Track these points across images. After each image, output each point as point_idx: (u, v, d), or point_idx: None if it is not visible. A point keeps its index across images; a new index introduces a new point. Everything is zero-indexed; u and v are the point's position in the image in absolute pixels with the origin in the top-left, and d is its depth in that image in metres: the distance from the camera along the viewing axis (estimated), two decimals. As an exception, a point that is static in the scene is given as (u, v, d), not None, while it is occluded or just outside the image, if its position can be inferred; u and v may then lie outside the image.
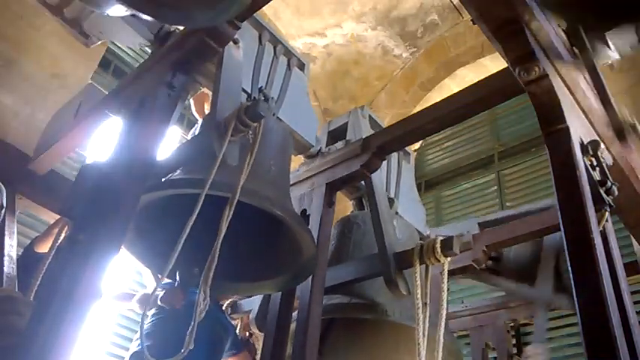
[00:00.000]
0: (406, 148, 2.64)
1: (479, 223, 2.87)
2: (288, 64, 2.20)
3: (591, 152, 1.40)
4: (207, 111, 2.93)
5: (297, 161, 2.26)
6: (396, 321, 2.04)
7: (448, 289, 1.94)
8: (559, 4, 1.50)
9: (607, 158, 1.50)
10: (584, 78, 1.59)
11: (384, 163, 2.23)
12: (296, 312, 1.95)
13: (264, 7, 1.77)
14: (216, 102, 1.61)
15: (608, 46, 1.57)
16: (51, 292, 1.22)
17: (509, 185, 5.40)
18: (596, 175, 1.40)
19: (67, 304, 1.17)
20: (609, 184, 1.41)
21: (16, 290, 1.98)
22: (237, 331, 3.20)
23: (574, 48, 1.57)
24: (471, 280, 3.01)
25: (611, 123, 1.61)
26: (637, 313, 1.31)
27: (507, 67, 1.48)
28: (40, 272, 1.83)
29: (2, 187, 2.16)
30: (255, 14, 1.87)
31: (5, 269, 2.05)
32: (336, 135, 2.51)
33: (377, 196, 2.09)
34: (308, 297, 1.90)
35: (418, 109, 5.35)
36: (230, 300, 3.13)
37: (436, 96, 5.99)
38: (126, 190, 1.40)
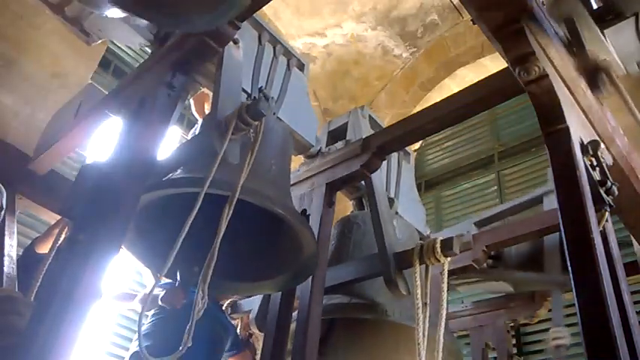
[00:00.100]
0: (406, 148, 2.64)
1: (476, 223, 2.87)
2: (288, 65, 2.20)
3: (591, 152, 1.40)
4: (207, 111, 2.93)
5: (297, 161, 2.26)
6: (395, 321, 2.04)
7: (448, 289, 1.94)
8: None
9: (607, 158, 1.50)
10: (582, 73, 1.58)
11: (384, 163, 2.23)
12: (296, 312, 1.95)
13: (264, 7, 1.77)
14: (216, 101, 1.62)
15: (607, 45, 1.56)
16: (51, 292, 1.22)
17: (509, 185, 5.40)
18: (596, 175, 1.40)
19: (67, 304, 1.17)
20: (609, 184, 1.41)
21: (16, 290, 1.98)
22: (238, 331, 3.20)
23: (574, 48, 1.57)
24: (473, 284, 3.01)
25: (580, 67, 1.56)
26: (637, 313, 1.31)
27: (507, 67, 1.48)
28: (41, 273, 1.83)
29: (2, 188, 2.16)
30: (255, 14, 1.87)
31: (5, 269, 2.05)
32: (336, 135, 2.51)
33: (377, 196, 2.09)
34: (308, 297, 1.90)
35: (418, 109, 5.35)
36: (230, 300, 3.13)
37: (436, 96, 5.99)
38: (126, 190, 1.40)
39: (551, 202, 2.71)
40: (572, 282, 1.21)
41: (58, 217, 2.42)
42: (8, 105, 3.43)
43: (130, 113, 1.67)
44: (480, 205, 5.49)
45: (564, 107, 1.39)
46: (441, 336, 1.78)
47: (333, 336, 2.21)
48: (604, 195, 1.39)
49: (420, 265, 1.87)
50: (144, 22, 1.87)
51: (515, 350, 3.17)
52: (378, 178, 2.20)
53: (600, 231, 1.33)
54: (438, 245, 1.84)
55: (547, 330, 4.20)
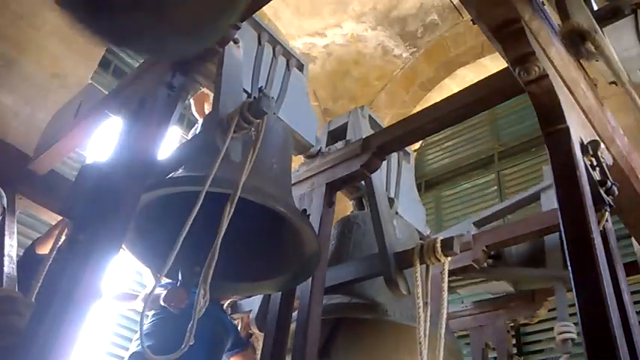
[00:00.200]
0: (406, 148, 2.64)
1: (475, 222, 2.87)
2: (287, 65, 2.20)
3: (591, 152, 1.40)
4: (207, 111, 2.93)
5: (297, 161, 2.26)
6: (396, 321, 2.04)
7: (448, 290, 1.94)
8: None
9: (607, 158, 1.50)
10: (584, 78, 1.58)
11: (384, 163, 2.23)
12: (296, 312, 1.95)
13: (264, 7, 1.78)
14: (218, 99, 1.61)
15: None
16: (51, 292, 1.22)
17: (509, 185, 5.40)
18: (596, 175, 1.41)
19: (67, 304, 1.17)
20: (609, 184, 1.41)
21: (16, 290, 1.98)
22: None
23: (573, 46, 1.56)
24: (472, 286, 3.01)
25: (561, 31, 1.53)
26: (637, 313, 1.31)
27: (507, 67, 1.48)
28: (41, 273, 1.83)
29: (2, 192, 2.16)
30: (254, 14, 1.87)
31: (5, 269, 2.05)
32: (336, 135, 2.51)
33: (377, 196, 2.09)
34: (308, 297, 1.90)
35: (418, 109, 5.35)
36: (230, 300, 3.13)
37: (436, 96, 5.99)
38: (126, 190, 1.40)
39: (548, 198, 2.72)
40: (572, 282, 1.21)
41: (58, 217, 2.42)
42: (8, 105, 3.43)
43: (130, 113, 1.67)
44: (480, 205, 5.48)
45: (564, 107, 1.39)
46: (442, 335, 1.78)
47: (335, 337, 2.22)
48: (604, 195, 1.39)
49: (420, 264, 1.87)
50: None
51: (515, 350, 3.17)
52: (378, 178, 2.20)
53: (600, 231, 1.33)
54: (439, 245, 1.84)
55: (547, 330, 4.22)
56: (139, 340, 2.82)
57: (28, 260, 2.52)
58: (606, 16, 1.56)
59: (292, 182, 2.17)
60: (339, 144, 2.41)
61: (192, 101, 3.00)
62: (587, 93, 1.55)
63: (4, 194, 2.14)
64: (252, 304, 2.70)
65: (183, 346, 1.40)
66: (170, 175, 1.65)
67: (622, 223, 1.87)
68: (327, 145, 2.47)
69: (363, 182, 2.23)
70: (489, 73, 1.95)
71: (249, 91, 1.94)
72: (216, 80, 1.69)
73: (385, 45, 6.23)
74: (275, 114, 2.02)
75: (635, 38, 1.55)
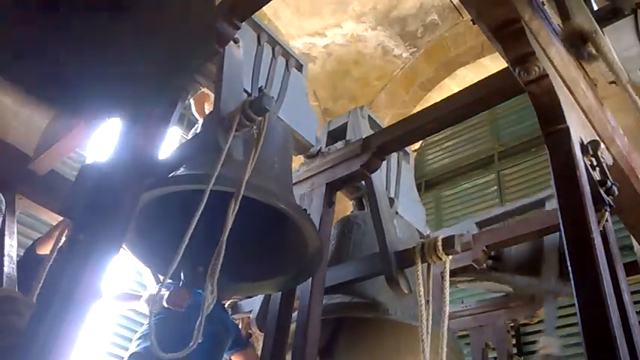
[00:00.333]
0: (405, 149, 2.64)
1: (477, 223, 2.87)
2: (287, 65, 2.20)
3: (591, 152, 1.40)
4: (207, 111, 2.93)
5: (297, 161, 2.26)
6: (397, 320, 2.04)
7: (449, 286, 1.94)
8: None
9: (607, 158, 1.50)
10: (584, 78, 1.58)
11: (384, 163, 2.23)
12: (296, 312, 1.94)
13: (264, 7, 1.77)
14: (219, 98, 1.61)
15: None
16: (51, 292, 1.22)
17: (509, 185, 5.41)
18: (596, 175, 1.40)
19: (67, 304, 1.17)
20: (609, 184, 1.41)
21: (16, 290, 1.98)
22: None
23: (574, 47, 1.57)
24: (473, 282, 3.01)
25: (565, 34, 1.55)
26: (637, 313, 1.31)
27: (507, 67, 1.48)
28: (42, 274, 1.82)
29: (1, 196, 2.16)
30: (254, 15, 1.87)
31: (5, 269, 2.04)
32: (336, 135, 2.51)
33: (377, 195, 2.09)
34: (308, 297, 1.89)
35: (418, 109, 5.36)
36: (231, 301, 3.13)
37: (436, 96, 5.99)
38: (126, 190, 1.40)
39: (552, 206, 2.71)
40: (572, 282, 1.21)
41: (58, 217, 2.42)
42: (8, 105, 3.42)
43: (130, 113, 1.67)
44: (480, 205, 5.49)
45: (564, 107, 1.39)
46: (445, 333, 1.78)
47: (337, 337, 2.22)
48: (604, 195, 1.39)
49: (421, 263, 1.87)
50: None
51: (515, 350, 3.17)
52: (378, 178, 2.20)
53: (600, 231, 1.33)
54: (440, 243, 1.84)
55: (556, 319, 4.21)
56: (139, 340, 2.83)
57: (29, 260, 2.52)
58: (606, 17, 1.56)
59: (292, 182, 2.17)
60: (339, 144, 2.41)
61: (192, 101, 3.00)
62: (587, 93, 1.55)
63: (2, 199, 2.14)
64: (253, 304, 2.70)
65: (191, 343, 1.40)
66: (171, 174, 1.64)
67: (622, 223, 1.87)
68: (326, 145, 2.47)
69: (363, 182, 2.23)
70: (489, 73, 1.95)
71: (249, 91, 1.94)
72: (217, 79, 1.69)
73: (385, 45, 6.23)
74: (275, 114, 2.03)
75: (635, 38, 1.56)
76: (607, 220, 1.41)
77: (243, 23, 1.75)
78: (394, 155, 2.57)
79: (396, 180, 2.54)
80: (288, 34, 6.09)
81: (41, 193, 2.47)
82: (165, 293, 2.77)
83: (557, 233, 2.57)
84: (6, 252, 2.10)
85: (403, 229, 2.30)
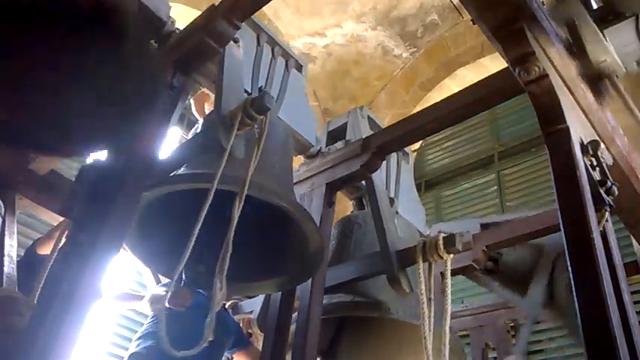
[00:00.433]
0: (405, 149, 2.64)
1: (481, 224, 2.86)
2: (286, 65, 2.21)
3: (591, 152, 1.40)
4: (207, 111, 2.93)
5: (297, 161, 2.26)
6: (399, 318, 2.04)
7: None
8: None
9: (607, 158, 1.50)
10: (584, 78, 1.58)
11: (383, 163, 2.23)
12: (296, 313, 1.94)
13: (264, 7, 1.78)
14: (220, 97, 1.61)
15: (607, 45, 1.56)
16: (51, 293, 1.22)
17: (509, 185, 5.41)
18: (596, 175, 1.40)
19: (68, 304, 1.17)
20: (609, 184, 1.41)
21: (17, 291, 1.98)
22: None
23: (575, 50, 1.57)
24: (467, 277, 2.99)
25: (583, 72, 1.57)
26: (637, 313, 1.31)
27: (507, 67, 1.48)
28: (43, 274, 1.82)
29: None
30: (253, 16, 1.87)
31: (5, 269, 2.04)
32: (336, 135, 2.51)
33: (378, 194, 2.09)
34: (308, 297, 1.89)
35: (418, 109, 5.36)
36: (232, 301, 3.14)
37: (436, 96, 5.99)
38: (126, 190, 1.40)
39: None
40: (572, 282, 1.21)
41: (58, 217, 2.42)
42: (8, 105, 3.42)
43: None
44: (480, 205, 5.49)
45: (564, 107, 1.39)
46: (447, 331, 1.78)
47: (340, 338, 2.22)
48: (604, 195, 1.39)
49: (423, 262, 1.86)
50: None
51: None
52: (378, 178, 2.20)
53: (600, 231, 1.33)
54: (441, 242, 1.84)
55: (547, 330, 4.21)
56: (139, 340, 2.83)
57: (29, 260, 2.52)
58: (607, 19, 1.56)
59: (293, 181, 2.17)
60: (339, 144, 2.41)
61: (192, 101, 3.00)
62: (587, 93, 1.55)
63: (1, 204, 2.14)
64: (254, 304, 2.70)
65: (202, 341, 1.40)
66: (172, 173, 1.64)
67: (622, 223, 1.87)
68: (326, 145, 2.47)
69: (363, 182, 2.23)
70: (489, 73, 1.95)
71: (249, 91, 1.94)
72: (218, 79, 1.69)
73: (385, 45, 6.23)
74: (275, 113, 2.03)
75: (635, 37, 1.56)
76: (607, 220, 1.41)
77: (243, 24, 1.75)
78: (393, 155, 2.57)
79: (396, 180, 2.54)
80: (288, 34, 6.09)
81: (41, 193, 2.47)
82: (164, 293, 2.77)
83: (558, 244, 2.55)
84: (6, 252, 2.10)
85: (404, 229, 2.30)
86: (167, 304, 2.72)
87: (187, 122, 4.93)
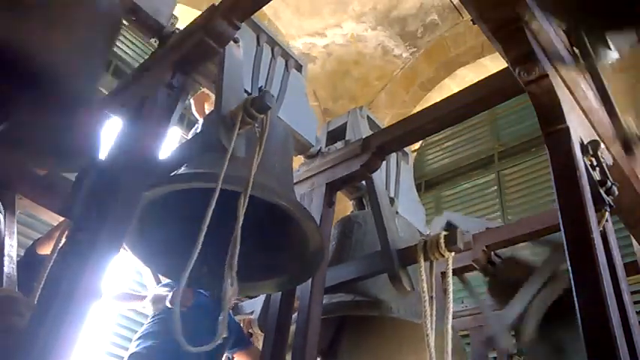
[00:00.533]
0: (404, 149, 2.64)
1: (488, 228, 2.85)
2: (286, 66, 2.21)
3: (591, 152, 1.40)
4: (207, 111, 2.94)
5: (297, 161, 2.27)
6: (401, 317, 2.03)
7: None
8: (559, 4, 1.50)
9: (607, 158, 1.50)
10: (584, 78, 1.58)
11: (383, 163, 2.23)
12: (296, 313, 1.94)
13: (264, 7, 1.78)
14: (220, 97, 1.61)
15: (609, 46, 1.56)
16: (51, 293, 1.22)
17: (509, 185, 5.41)
18: (596, 175, 1.40)
19: (68, 304, 1.17)
20: (609, 184, 1.41)
21: (17, 291, 1.98)
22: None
23: (574, 48, 1.57)
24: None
25: (617, 135, 1.61)
26: (637, 313, 1.31)
27: (507, 67, 1.48)
28: (43, 275, 1.82)
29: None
30: (253, 16, 1.87)
31: (5, 269, 2.04)
32: (336, 135, 2.51)
33: (378, 193, 2.09)
34: (308, 297, 1.89)
35: (418, 109, 5.36)
36: (232, 302, 3.14)
37: (436, 96, 6.00)
38: (126, 190, 1.40)
39: None
40: (572, 282, 1.21)
41: (58, 217, 2.42)
42: (8, 105, 3.42)
43: (130, 113, 1.67)
44: (480, 205, 5.49)
45: (564, 107, 1.39)
46: (449, 329, 1.77)
47: (340, 337, 2.22)
48: (604, 195, 1.39)
49: (424, 260, 1.86)
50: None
51: (515, 350, 3.17)
52: (378, 177, 2.20)
53: (600, 231, 1.33)
54: (442, 240, 1.83)
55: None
56: (139, 340, 2.83)
57: (29, 260, 2.52)
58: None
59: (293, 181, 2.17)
60: (339, 144, 2.41)
61: (192, 101, 3.00)
62: (587, 93, 1.55)
63: (1, 208, 2.15)
64: (255, 305, 2.70)
65: (215, 338, 1.40)
66: (173, 173, 1.64)
67: (622, 223, 1.87)
68: (326, 146, 2.48)
69: (363, 182, 2.23)
70: (489, 73, 1.94)
71: (249, 91, 1.95)
72: (218, 79, 1.69)
73: (385, 45, 6.23)
74: (276, 113, 2.03)
75: (636, 39, 1.56)
76: (607, 220, 1.41)
77: (243, 24, 1.75)
78: (393, 155, 2.57)
79: (396, 180, 2.54)
80: (288, 34, 6.09)
81: (41, 193, 2.47)
82: (167, 293, 2.77)
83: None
84: (6, 252, 2.10)
85: (404, 229, 2.30)
86: (168, 305, 2.73)
87: (187, 122, 4.93)
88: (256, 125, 1.54)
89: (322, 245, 1.83)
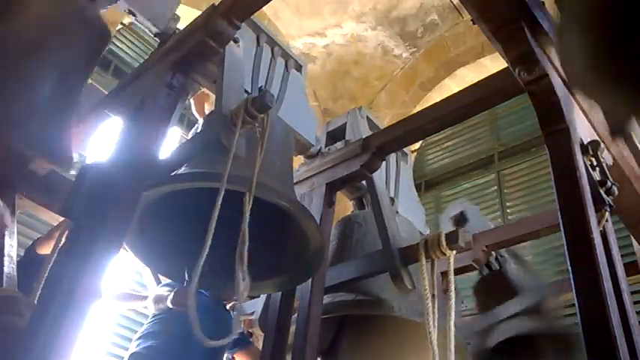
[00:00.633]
0: (404, 149, 2.64)
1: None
2: (286, 66, 2.21)
3: (591, 152, 1.40)
4: (207, 111, 2.94)
5: (297, 161, 2.27)
6: (402, 316, 2.03)
7: (455, 288, 1.93)
8: None
9: (607, 158, 1.50)
10: (584, 78, 1.58)
11: (383, 163, 2.23)
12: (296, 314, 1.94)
13: (264, 7, 1.78)
14: (220, 97, 1.61)
15: None
16: (51, 293, 1.22)
17: (509, 185, 5.41)
18: (596, 175, 1.41)
19: (67, 304, 1.17)
20: (609, 184, 1.41)
21: (16, 291, 1.98)
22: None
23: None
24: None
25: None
26: (637, 313, 1.31)
27: (507, 67, 1.48)
28: (43, 275, 1.82)
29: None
30: (253, 16, 1.87)
31: (5, 269, 2.04)
32: (335, 135, 2.51)
33: (378, 192, 2.09)
34: (308, 297, 1.89)
35: (418, 109, 5.36)
36: (233, 302, 3.14)
37: (436, 96, 6.00)
38: (126, 190, 1.40)
39: None
40: (572, 282, 1.21)
41: (58, 217, 2.42)
42: (8, 105, 3.42)
43: (130, 113, 1.67)
44: (480, 205, 5.47)
45: (564, 107, 1.39)
46: (452, 326, 1.77)
47: (341, 337, 2.22)
48: (604, 195, 1.39)
49: (425, 259, 1.86)
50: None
51: (515, 350, 3.16)
52: (378, 178, 2.20)
53: (600, 231, 1.33)
54: (443, 238, 1.83)
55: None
56: (139, 340, 2.83)
57: (29, 260, 2.52)
58: None
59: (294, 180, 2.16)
60: (339, 144, 2.41)
61: (192, 101, 3.00)
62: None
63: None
64: (255, 305, 2.70)
65: (230, 334, 1.39)
66: (173, 173, 1.64)
67: (622, 223, 1.87)
68: (326, 146, 2.48)
69: (363, 182, 2.23)
70: (489, 73, 1.94)
71: (249, 91, 1.94)
72: (218, 79, 1.69)
73: (385, 45, 6.23)
74: (276, 112, 2.03)
75: None
76: (607, 220, 1.41)
77: (243, 24, 1.76)
78: (392, 156, 2.57)
79: (395, 180, 2.54)
80: (288, 34, 6.09)
81: (41, 193, 2.47)
82: (167, 293, 2.77)
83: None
84: (6, 252, 2.10)
85: (405, 228, 2.30)
86: (170, 305, 2.73)
87: (187, 122, 4.93)
88: (256, 125, 1.54)
89: (322, 245, 1.83)
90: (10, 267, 2.05)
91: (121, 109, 1.82)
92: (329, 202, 2.14)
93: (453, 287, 1.85)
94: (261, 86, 2.02)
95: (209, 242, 1.37)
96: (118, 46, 5.22)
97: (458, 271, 2.69)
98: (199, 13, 1.74)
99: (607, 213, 1.41)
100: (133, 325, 4.28)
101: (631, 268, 1.99)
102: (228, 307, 3.13)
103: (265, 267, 1.93)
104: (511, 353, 2.49)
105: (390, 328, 2.23)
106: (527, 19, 1.37)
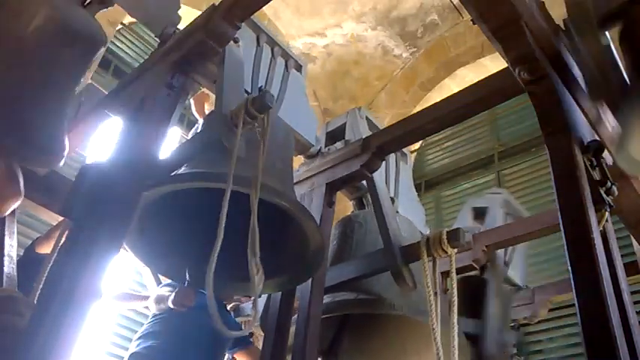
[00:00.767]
0: (404, 149, 2.64)
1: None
2: (286, 66, 2.21)
3: (591, 152, 1.40)
4: (207, 111, 2.94)
5: (297, 161, 2.27)
6: (404, 315, 2.03)
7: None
8: None
9: (607, 158, 1.50)
10: (584, 78, 1.58)
11: (383, 163, 2.23)
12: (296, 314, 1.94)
13: (264, 7, 1.78)
14: (221, 97, 1.61)
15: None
16: (51, 293, 1.22)
17: (509, 185, 5.41)
18: (596, 175, 1.40)
19: (67, 304, 1.17)
20: (609, 184, 1.41)
21: (16, 291, 1.98)
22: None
23: (574, 48, 1.57)
24: None
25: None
26: (637, 313, 1.31)
27: (507, 67, 1.48)
28: (42, 274, 1.82)
29: None
30: (253, 16, 1.87)
31: (5, 269, 2.04)
32: (335, 135, 2.51)
33: (379, 191, 2.10)
34: (308, 297, 1.89)
35: (418, 109, 5.36)
36: (233, 303, 3.14)
37: (436, 96, 6.00)
38: (126, 190, 1.40)
39: None
40: (572, 282, 1.21)
41: (58, 217, 2.42)
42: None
43: (130, 113, 1.67)
44: (480, 205, 5.47)
45: (564, 107, 1.39)
46: (455, 322, 1.77)
47: (341, 337, 2.21)
48: (604, 195, 1.39)
49: (427, 257, 1.86)
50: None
51: (515, 350, 3.17)
52: (378, 177, 2.20)
53: (600, 231, 1.33)
54: (445, 236, 1.83)
55: (547, 330, 4.22)
56: (139, 340, 2.83)
57: (28, 260, 2.52)
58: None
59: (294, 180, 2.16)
60: (339, 144, 2.41)
61: (192, 101, 3.00)
62: (587, 93, 1.55)
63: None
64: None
65: (247, 330, 1.39)
66: (173, 173, 1.64)
67: (622, 223, 1.87)
68: (325, 146, 2.48)
69: (363, 182, 2.23)
70: (489, 73, 1.94)
71: (249, 91, 1.95)
72: (218, 79, 1.69)
73: (385, 45, 6.23)
74: (276, 112, 2.03)
75: None
76: (607, 220, 1.41)
77: (243, 24, 1.76)
78: (392, 156, 2.57)
79: (395, 180, 2.54)
80: (288, 34, 6.09)
81: (41, 193, 2.47)
82: (168, 293, 2.77)
83: None
84: (6, 252, 2.10)
85: (405, 228, 2.30)
86: (170, 305, 2.73)
87: (187, 122, 4.94)
88: (256, 125, 1.54)
89: (322, 245, 1.83)
90: (10, 267, 2.05)
91: (121, 109, 1.82)
92: (329, 202, 2.14)
93: (455, 285, 1.85)
94: (261, 86, 2.02)
95: (220, 241, 1.37)
96: (118, 46, 5.22)
97: (458, 271, 2.69)
98: (199, 13, 1.74)
99: (607, 213, 1.41)
100: (133, 325, 4.29)
101: (631, 268, 1.99)
102: (228, 307, 3.13)
103: (265, 267, 1.93)
104: None
105: (392, 328, 2.23)
106: (527, 19, 1.37)
